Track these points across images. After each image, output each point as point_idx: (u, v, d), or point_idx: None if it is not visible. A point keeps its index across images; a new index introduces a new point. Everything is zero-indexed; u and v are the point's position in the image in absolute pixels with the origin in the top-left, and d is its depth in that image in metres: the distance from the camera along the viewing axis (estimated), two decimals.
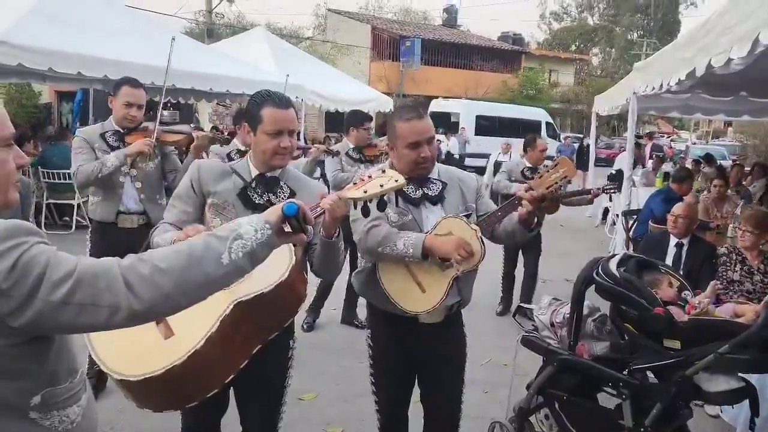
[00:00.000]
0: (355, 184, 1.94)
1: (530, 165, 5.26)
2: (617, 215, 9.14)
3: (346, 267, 4.79)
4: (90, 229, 3.63)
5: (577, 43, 43.20)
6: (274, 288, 1.80)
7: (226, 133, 7.92)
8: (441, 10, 35.45)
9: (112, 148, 3.38)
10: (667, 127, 39.36)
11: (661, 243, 4.30)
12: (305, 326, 4.90)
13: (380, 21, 31.72)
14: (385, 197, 1.91)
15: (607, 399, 2.90)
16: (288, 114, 2.14)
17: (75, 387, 1.26)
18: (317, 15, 36.61)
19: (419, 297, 2.35)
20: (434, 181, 2.47)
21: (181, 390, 1.76)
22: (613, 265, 2.73)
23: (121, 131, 3.45)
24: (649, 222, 5.68)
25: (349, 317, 5.04)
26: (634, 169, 8.96)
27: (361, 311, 5.08)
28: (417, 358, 2.52)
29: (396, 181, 1.87)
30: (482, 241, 2.34)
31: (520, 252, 5.51)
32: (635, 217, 6.27)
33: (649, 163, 12.34)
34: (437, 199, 2.45)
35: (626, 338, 2.81)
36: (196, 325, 1.73)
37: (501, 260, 5.61)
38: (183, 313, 1.50)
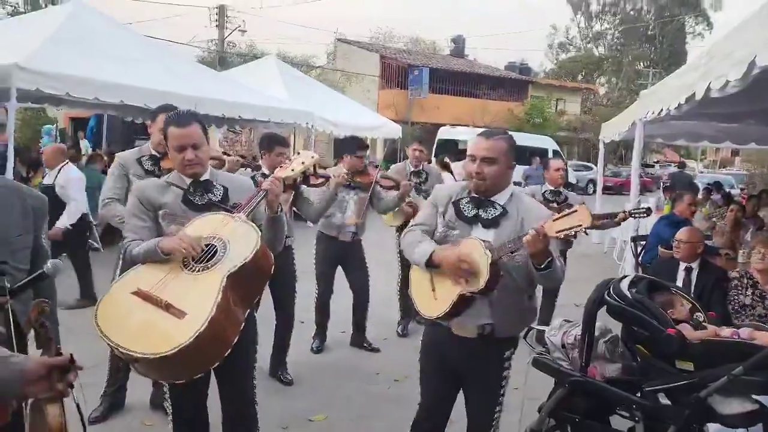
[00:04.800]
0: (281, 167, 2.65)
1: (552, 188, 5.27)
2: (625, 241, 9.14)
3: (344, 290, 4.88)
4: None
5: (584, 73, 43.54)
6: (252, 256, 2.23)
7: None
8: (449, 40, 35.95)
9: (147, 172, 3.42)
10: (673, 156, 39.39)
11: (670, 268, 4.31)
12: (314, 348, 4.91)
13: (389, 50, 32.15)
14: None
15: (620, 422, 2.89)
16: (186, 132, 2.44)
17: None
18: (328, 43, 37.17)
19: (432, 303, 2.50)
20: (496, 205, 2.49)
21: (205, 355, 2.07)
22: (624, 286, 2.75)
23: (158, 155, 3.51)
24: (659, 247, 5.69)
25: (358, 340, 5.04)
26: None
27: (370, 333, 5.09)
28: (453, 367, 2.61)
29: (312, 157, 2.66)
30: (495, 269, 2.32)
31: None
32: (644, 242, 6.27)
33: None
34: (490, 223, 2.47)
35: (638, 360, 2.81)
36: (202, 302, 2.07)
37: None
38: (186, 297, 2.09)
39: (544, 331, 3.14)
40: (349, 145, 4.80)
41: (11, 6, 29.52)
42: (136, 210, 2.48)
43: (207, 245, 2.27)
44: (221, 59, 21.36)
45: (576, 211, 2.23)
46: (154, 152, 3.53)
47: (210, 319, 2.02)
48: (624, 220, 5.16)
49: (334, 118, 12.64)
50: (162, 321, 2.05)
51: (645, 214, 5.28)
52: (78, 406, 1.65)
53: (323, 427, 3.68)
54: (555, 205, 5.12)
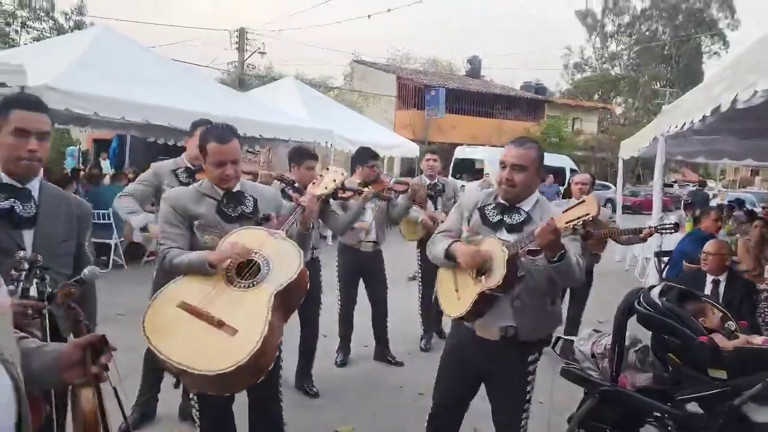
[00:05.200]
0: (313, 183, 2.78)
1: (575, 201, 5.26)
2: (647, 258, 9.05)
3: (367, 304, 4.90)
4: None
5: (600, 93, 43.53)
6: (296, 276, 2.31)
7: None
8: (465, 60, 36.17)
9: (182, 184, 3.46)
10: (692, 176, 39.06)
11: (697, 281, 4.28)
12: (338, 362, 4.93)
13: (405, 71, 32.44)
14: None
15: (651, 431, 2.87)
16: (227, 148, 2.50)
17: None
18: (344, 65, 37.63)
19: (455, 303, 2.57)
20: (521, 211, 2.55)
21: (255, 370, 2.13)
22: (654, 295, 2.75)
23: (192, 168, 3.58)
24: (683, 262, 5.65)
25: (382, 353, 5.04)
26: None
27: (393, 347, 5.09)
28: (475, 369, 2.64)
29: (342, 174, 2.83)
30: (512, 265, 2.38)
31: (568, 292, 5.46)
32: (667, 258, 6.24)
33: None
34: (513, 228, 2.53)
35: (670, 369, 2.79)
36: (252, 319, 2.13)
37: None
38: (236, 314, 2.15)
39: (572, 341, 3.13)
40: (361, 156, 4.86)
41: (36, 31, 30.37)
42: (171, 218, 2.50)
43: (249, 261, 2.33)
44: (241, 81, 21.68)
45: (583, 201, 2.29)
46: (189, 165, 3.60)
47: (263, 337, 2.08)
48: (650, 235, 5.11)
49: (353, 137, 12.77)
50: (214, 337, 2.09)
51: (672, 230, 5.18)
52: (115, 389, 1.67)
53: None
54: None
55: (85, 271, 1.95)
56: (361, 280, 4.97)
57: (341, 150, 12.75)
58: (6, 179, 2.07)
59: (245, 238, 2.38)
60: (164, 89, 8.60)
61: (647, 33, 44.43)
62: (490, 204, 2.62)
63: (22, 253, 1.85)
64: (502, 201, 2.59)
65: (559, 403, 4.17)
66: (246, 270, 2.30)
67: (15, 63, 6.66)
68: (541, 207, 2.58)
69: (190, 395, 2.65)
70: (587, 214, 2.26)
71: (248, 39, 22.69)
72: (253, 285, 2.26)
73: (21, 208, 2.05)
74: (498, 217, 2.57)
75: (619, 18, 44.79)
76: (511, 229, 2.53)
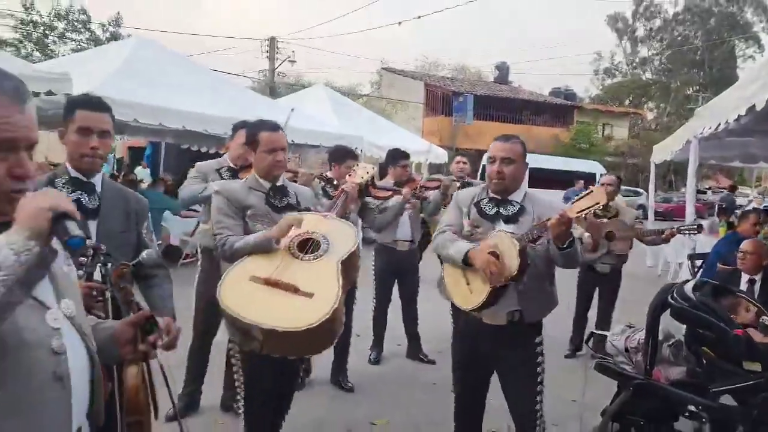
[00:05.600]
0: (349, 175, 3.09)
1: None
2: (680, 264, 8.96)
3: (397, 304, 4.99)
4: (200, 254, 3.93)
5: (631, 98, 42.99)
6: (355, 248, 2.53)
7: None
8: (493, 67, 36.15)
9: None
10: (725, 182, 38.26)
11: (732, 280, 4.27)
12: (372, 359, 5.02)
13: (433, 78, 32.54)
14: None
15: (685, 424, 2.89)
16: (279, 136, 2.76)
17: None
18: (372, 72, 37.94)
19: (467, 296, 2.71)
20: (514, 203, 2.76)
21: (330, 333, 2.31)
22: (688, 290, 2.78)
23: (235, 167, 3.73)
24: (717, 264, 5.61)
25: (415, 351, 5.12)
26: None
27: (425, 346, 5.17)
28: (485, 357, 2.79)
29: (372, 168, 3.17)
30: (524, 255, 2.55)
31: (596, 294, 5.50)
32: (701, 260, 6.19)
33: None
34: (510, 219, 2.74)
35: (704, 363, 2.82)
36: (325, 284, 2.32)
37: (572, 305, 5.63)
38: (308, 281, 2.32)
39: (605, 336, 3.18)
40: (392, 157, 4.98)
41: (74, 42, 31.31)
42: (226, 209, 2.66)
43: (308, 239, 2.53)
44: (271, 89, 22.02)
45: (592, 192, 2.48)
46: (232, 165, 3.75)
47: (339, 297, 2.28)
48: (672, 236, 5.20)
49: (381, 143, 12.90)
50: (293, 300, 2.27)
51: (695, 231, 5.24)
52: (162, 367, 1.78)
53: (385, 430, 3.78)
54: (605, 220, 5.17)
55: (143, 254, 2.10)
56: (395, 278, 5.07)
57: (370, 156, 12.89)
58: (74, 173, 2.24)
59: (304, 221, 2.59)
60: (200, 97, 8.85)
61: (679, 37, 43.77)
62: (484, 198, 2.81)
63: (87, 242, 1.99)
64: (493, 195, 2.78)
65: (592, 402, 4.21)
66: (307, 247, 2.50)
67: (61, 72, 6.95)
68: (530, 198, 2.80)
69: (237, 384, 2.76)
70: (597, 203, 2.45)
71: (278, 48, 23.06)
72: (317, 257, 2.45)
73: (87, 200, 2.20)
74: (494, 210, 2.76)
75: (650, 22, 44.20)
76: (508, 220, 2.73)
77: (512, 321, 2.68)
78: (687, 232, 5.18)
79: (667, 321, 2.92)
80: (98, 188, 2.27)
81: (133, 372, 1.50)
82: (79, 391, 1.26)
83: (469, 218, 2.80)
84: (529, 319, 2.69)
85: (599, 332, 3.22)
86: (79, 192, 2.19)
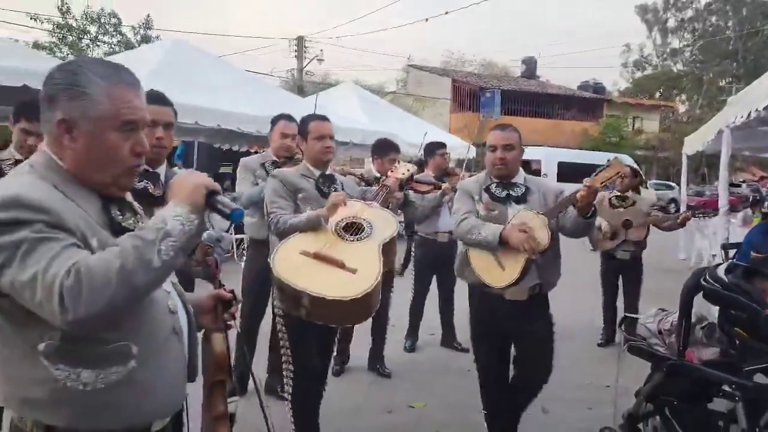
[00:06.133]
0: (392, 171, 3.27)
1: (618, 192, 5.43)
2: (714, 255, 8.89)
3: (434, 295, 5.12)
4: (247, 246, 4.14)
5: (662, 90, 42.27)
6: (395, 234, 2.78)
7: None
8: (520, 61, 35.93)
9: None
10: (759, 174, 37.36)
11: (765, 267, 4.28)
12: (407, 347, 5.17)
13: (460, 74, 32.50)
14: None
15: (719, 403, 2.95)
16: (327, 124, 3.07)
17: (97, 353, 1.25)
18: (402, 69, 38.06)
19: (499, 274, 2.93)
20: (519, 185, 3.10)
21: (370, 305, 2.54)
22: (721, 272, 2.84)
23: (278, 161, 3.90)
24: (751, 253, 5.60)
25: (449, 339, 5.23)
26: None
27: (458, 335, 5.28)
28: (507, 328, 3.06)
29: (413, 167, 3.41)
30: (550, 230, 2.87)
31: (620, 283, 5.55)
32: (734, 251, 6.16)
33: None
34: (521, 199, 3.05)
35: (737, 343, 2.87)
36: (367, 262, 2.55)
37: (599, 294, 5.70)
38: (353, 259, 2.55)
39: (637, 319, 3.25)
40: (430, 149, 5.12)
41: (107, 45, 32.04)
42: (281, 191, 2.94)
43: (352, 223, 2.77)
44: (299, 88, 22.30)
45: (609, 165, 2.82)
46: (275, 158, 3.92)
47: (380, 273, 2.53)
48: (687, 219, 5.49)
49: (410, 139, 13.00)
50: (340, 274, 2.50)
51: (711, 215, 5.41)
52: (238, 334, 1.94)
53: (423, 413, 3.90)
54: (622, 210, 5.27)
55: (204, 234, 2.29)
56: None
57: (405, 153, 13.02)
58: None
59: (347, 207, 2.82)
60: (234, 96, 9.07)
61: (711, 28, 42.86)
62: (492, 184, 3.09)
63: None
64: (497, 180, 3.08)
65: (624, 387, 4.29)
66: (352, 230, 2.72)
67: None
68: (530, 180, 3.16)
69: (284, 359, 2.93)
70: (618, 173, 2.81)
71: (306, 47, 23.31)
72: (361, 239, 2.69)
73: (152, 188, 2.37)
74: (504, 193, 3.05)
75: (681, 13, 43.35)
76: (518, 200, 3.03)
77: (532, 294, 3.00)
78: (701, 215, 5.32)
79: (699, 305, 2.98)
80: (162, 178, 2.44)
81: (220, 338, 1.63)
82: (185, 347, 1.46)
83: (482, 203, 3.05)
84: (546, 290, 3.06)
85: (632, 315, 3.29)
86: (146, 181, 2.36)
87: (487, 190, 3.08)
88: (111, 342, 1.26)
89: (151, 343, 1.32)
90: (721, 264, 3.00)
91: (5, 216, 1.15)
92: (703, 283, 2.86)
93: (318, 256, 2.56)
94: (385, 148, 4.46)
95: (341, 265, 2.51)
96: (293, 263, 2.54)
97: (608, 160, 2.81)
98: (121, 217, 1.36)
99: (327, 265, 2.53)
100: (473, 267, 3.01)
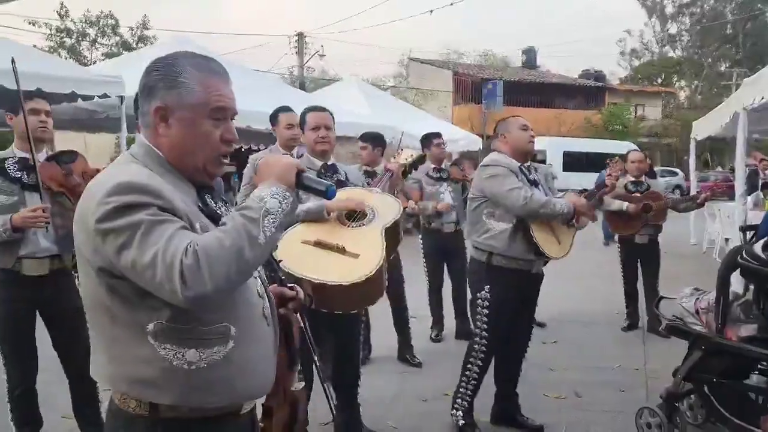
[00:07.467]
0: (395, 157, 3.31)
1: (633, 178, 5.47)
2: (727, 239, 8.89)
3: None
4: None
5: (662, 77, 42.15)
6: (398, 218, 2.78)
7: None
8: (520, 52, 35.87)
9: None
10: (760, 156, 37.25)
11: None
12: (433, 337, 5.21)
13: (461, 66, 32.47)
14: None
15: (757, 380, 2.98)
16: (322, 114, 3.03)
17: (201, 333, 1.29)
18: (399, 63, 38.03)
19: (557, 246, 3.24)
20: (532, 168, 3.44)
21: (377, 287, 2.58)
22: (758, 249, 2.86)
23: (287, 153, 3.91)
24: None
25: (463, 330, 5.20)
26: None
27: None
28: (523, 300, 3.39)
29: (416, 151, 3.51)
30: None
31: (639, 269, 5.58)
32: (752, 233, 6.17)
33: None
34: (537, 183, 3.37)
35: None
36: (370, 247, 2.57)
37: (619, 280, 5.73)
38: (355, 244, 2.56)
39: (673, 299, 3.27)
40: (426, 140, 5.32)
41: (105, 47, 32.05)
42: None
43: (355, 210, 2.80)
44: (301, 84, 22.30)
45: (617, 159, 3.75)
46: (284, 152, 3.94)
47: (382, 258, 2.53)
48: (707, 200, 5.59)
49: (416, 132, 13.01)
50: (341, 259, 2.51)
51: (724, 197, 5.47)
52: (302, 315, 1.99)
53: None
54: (638, 195, 5.31)
55: None
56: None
57: (412, 146, 13.05)
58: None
59: (350, 194, 2.86)
60: (242, 94, 8.88)
61: (709, 11, 42.61)
62: (522, 166, 3.33)
63: None
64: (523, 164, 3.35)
65: (653, 370, 4.32)
66: (354, 215, 2.75)
67: (114, 74, 7.22)
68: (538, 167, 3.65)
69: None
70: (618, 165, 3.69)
71: (307, 43, 23.30)
72: (364, 225, 2.70)
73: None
74: (533, 176, 3.34)
75: None
76: (535, 183, 3.33)
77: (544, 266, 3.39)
78: (720, 195, 5.40)
79: (734, 284, 3.00)
80: None
81: (294, 319, 1.69)
82: (274, 331, 1.49)
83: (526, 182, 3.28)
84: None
85: (668, 296, 3.33)
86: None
87: (521, 170, 3.30)
88: (213, 323, 1.30)
89: (247, 325, 1.37)
90: (759, 241, 3.02)
91: (123, 200, 1.21)
92: (740, 260, 2.88)
93: (319, 244, 2.58)
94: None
95: (342, 251, 2.53)
96: (294, 252, 2.54)
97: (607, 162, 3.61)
98: (215, 205, 1.42)
99: (328, 251, 2.55)
100: (537, 242, 3.15)
